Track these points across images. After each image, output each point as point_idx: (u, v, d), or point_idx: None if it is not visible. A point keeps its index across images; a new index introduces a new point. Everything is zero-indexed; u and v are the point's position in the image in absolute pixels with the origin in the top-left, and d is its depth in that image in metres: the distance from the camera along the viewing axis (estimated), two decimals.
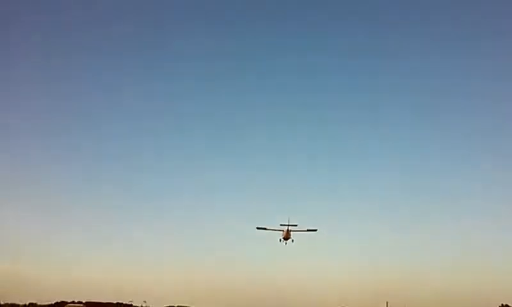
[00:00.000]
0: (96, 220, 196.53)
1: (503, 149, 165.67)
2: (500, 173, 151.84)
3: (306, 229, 45.18)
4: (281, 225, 44.90)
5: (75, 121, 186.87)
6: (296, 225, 44.78)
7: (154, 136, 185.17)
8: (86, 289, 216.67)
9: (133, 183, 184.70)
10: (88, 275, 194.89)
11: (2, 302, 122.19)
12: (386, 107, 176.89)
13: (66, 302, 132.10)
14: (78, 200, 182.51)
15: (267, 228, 46.30)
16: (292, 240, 45.25)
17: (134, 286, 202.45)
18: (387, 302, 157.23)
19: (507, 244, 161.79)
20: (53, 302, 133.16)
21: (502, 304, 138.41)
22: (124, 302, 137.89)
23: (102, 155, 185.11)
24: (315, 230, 45.98)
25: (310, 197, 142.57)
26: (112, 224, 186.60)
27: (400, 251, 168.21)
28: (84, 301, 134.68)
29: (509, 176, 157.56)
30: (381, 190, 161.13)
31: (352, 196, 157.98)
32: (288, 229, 44.69)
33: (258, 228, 46.51)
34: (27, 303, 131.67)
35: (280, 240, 45.53)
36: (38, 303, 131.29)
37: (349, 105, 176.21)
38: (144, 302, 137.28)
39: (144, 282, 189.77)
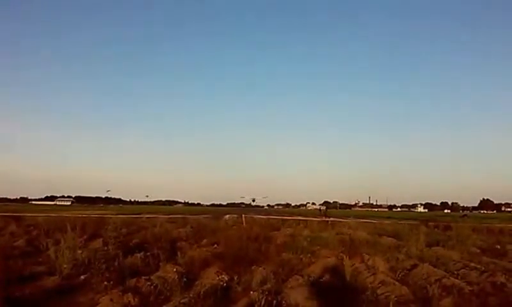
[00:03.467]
0: (90, 120, 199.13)
1: None
2: None
3: (261, 197, 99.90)
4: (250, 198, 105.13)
5: None
6: (255, 198, 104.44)
7: None
8: (76, 184, 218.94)
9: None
10: (78, 171, 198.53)
11: None
12: None
13: (56, 197, 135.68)
14: (74, 101, 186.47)
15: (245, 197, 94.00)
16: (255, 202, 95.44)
17: (123, 183, 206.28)
18: (369, 197, 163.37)
19: (485, 142, 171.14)
20: (43, 197, 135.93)
21: (483, 198, 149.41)
22: (113, 197, 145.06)
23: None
24: (266, 197, 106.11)
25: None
26: (104, 127, 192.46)
27: (383, 149, 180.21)
28: (73, 196, 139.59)
29: None
30: None
31: None
32: (253, 199, 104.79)
33: (241, 197, 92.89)
34: (19, 197, 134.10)
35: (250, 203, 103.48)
36: (29, 197, 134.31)
37: None
38: (147, 196, 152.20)
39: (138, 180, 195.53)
